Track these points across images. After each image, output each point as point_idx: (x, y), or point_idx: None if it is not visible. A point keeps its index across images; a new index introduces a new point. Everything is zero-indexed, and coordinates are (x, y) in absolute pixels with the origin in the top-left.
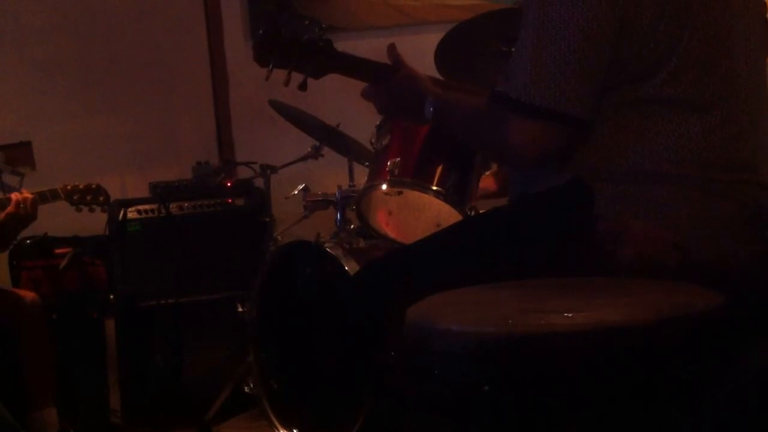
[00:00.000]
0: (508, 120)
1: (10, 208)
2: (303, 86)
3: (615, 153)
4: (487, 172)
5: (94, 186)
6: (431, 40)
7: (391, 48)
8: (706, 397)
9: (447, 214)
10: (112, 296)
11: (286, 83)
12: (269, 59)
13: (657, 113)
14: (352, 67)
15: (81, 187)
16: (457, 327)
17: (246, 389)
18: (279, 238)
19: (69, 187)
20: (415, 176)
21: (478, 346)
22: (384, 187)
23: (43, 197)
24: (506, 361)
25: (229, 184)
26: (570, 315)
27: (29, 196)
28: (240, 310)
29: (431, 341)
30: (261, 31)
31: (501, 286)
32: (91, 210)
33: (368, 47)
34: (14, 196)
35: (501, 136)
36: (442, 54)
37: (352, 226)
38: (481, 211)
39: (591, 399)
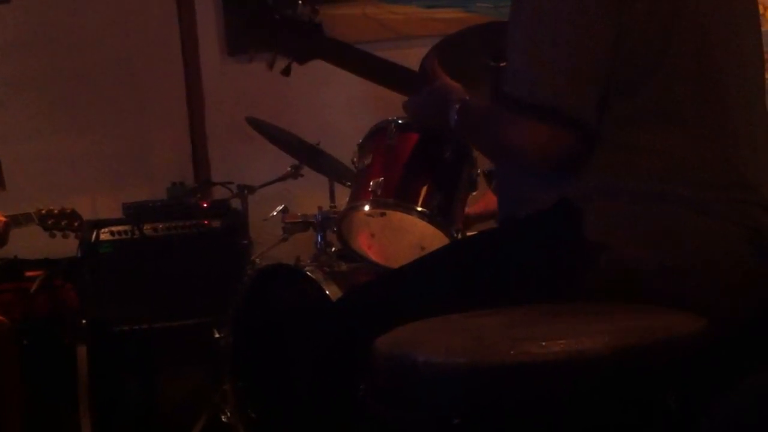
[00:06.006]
0: (512, 121)
1: None
2: (287, 71)
3: (605, 173)
4: (475, 193)
5: (68, 210)
6: (415, 54)
7: (431, 60)
8: (693, 427)
9: (432, 237)
10: (84, 321)
11: (271, 65)
12: (255, 39)
13: (648, 131)
14: (342, 55)
15: (55, 211)
16: (425, 357)
17: (223, 418)
18: (257, 261)
19: (43, 212)
20: (398, 197)
21: (448, 377)
22: (366, 208)
23: (16, 221)
24: (477, 393)
25: (205, 205)
26: (544, 344)
27: (1, 219)
28: (216, 335)
29: (401, 372)
30: (249, 11)
31: (478, 314)
32: (65, 236)
33: None
34: None
35: (504, 137)
36: (440, 51)
37: (333, 249)
38: (468, 234)
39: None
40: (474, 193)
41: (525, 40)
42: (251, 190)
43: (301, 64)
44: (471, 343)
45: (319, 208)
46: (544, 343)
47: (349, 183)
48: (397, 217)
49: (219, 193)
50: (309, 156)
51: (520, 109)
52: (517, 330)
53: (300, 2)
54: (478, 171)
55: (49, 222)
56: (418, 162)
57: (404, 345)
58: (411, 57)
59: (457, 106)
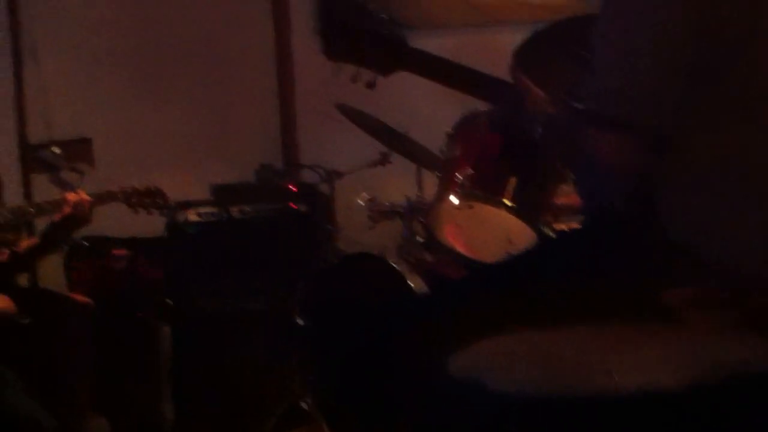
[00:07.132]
0: (593, 136)
1: (66, 209)
2: (372, 84)
3: (689, 172)
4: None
5: (153, 189)
6: (507, 40)
7: (518, 71)
8: None
9: (519, 230)
10: (168, 301)
11: (354, 80)
12: (337, 51)
13: (734, 128)
14: (427, 66)
15: (140, 189)
16: (495, 386)
17: (303, 405)
18: (342, 247)
19: (128, 190)
20: (486, 189)
21: (518, 407)
22: (454, 199)
23: (100, 199)
24: (546, 423)
25: (292, 188)
26: (613, 374)
27: (86, 197)
28: (298, 321)
29: (468, 395)
30: (330, 21)
31: (553, 332)
32: (149, 213)
33: (438, 47)
34: (70, 196)
35: (584, 148)
36: (524, 54)
37: (418, 239)
38: (557, 229)
39: None
40: (563, 186)
41: (607, 45)
42: (339, 175)
43: (385, 77)
44: (544, 373)
45: (406, 196)
46: (613, 374)
47: (437, 172)
48: (484, 209)
49: (306, 175)
50: (397, 143)
51: (602, 124)
52: (592, 356)
53: (384, 16)
54: None
55: (134, 200)
56: (506, 155)
57: (476, 369)
58: (499, 42)
59: (542, 120)
